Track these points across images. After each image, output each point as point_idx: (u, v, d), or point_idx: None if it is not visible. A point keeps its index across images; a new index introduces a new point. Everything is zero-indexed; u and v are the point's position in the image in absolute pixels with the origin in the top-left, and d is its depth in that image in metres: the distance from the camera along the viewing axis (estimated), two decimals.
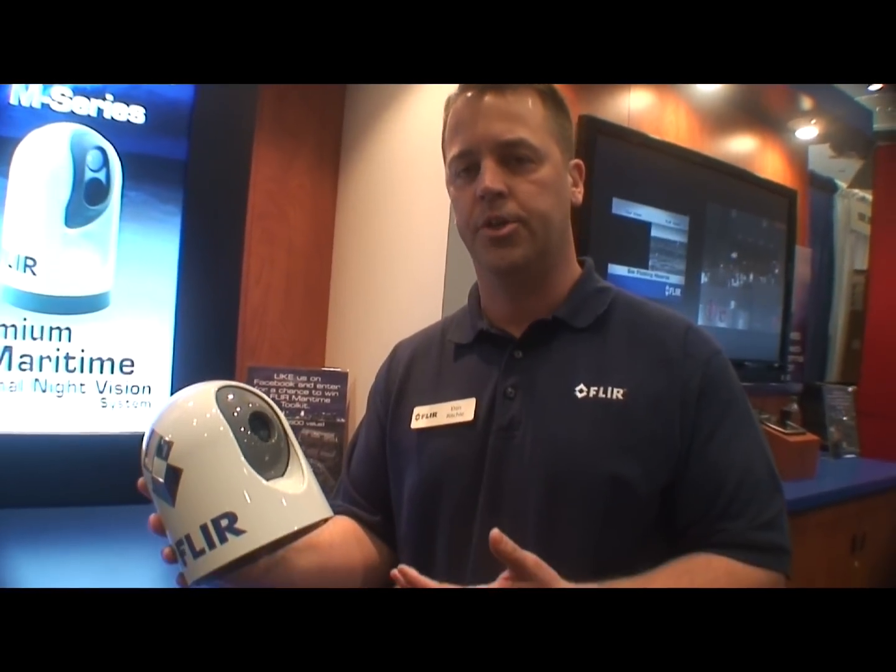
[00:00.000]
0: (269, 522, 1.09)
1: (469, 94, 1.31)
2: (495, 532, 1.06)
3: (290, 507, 1.12)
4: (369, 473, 1.50)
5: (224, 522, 1.06)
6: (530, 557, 1.07)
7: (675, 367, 1.31)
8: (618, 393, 1.29)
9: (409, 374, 1.48)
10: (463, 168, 1.32)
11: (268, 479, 1.11)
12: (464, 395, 1.37)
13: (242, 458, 1.09)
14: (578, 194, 1.41)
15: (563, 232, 1.37)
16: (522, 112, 1.29)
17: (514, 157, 1.28)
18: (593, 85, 3.19)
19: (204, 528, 1.06)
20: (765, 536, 1.27)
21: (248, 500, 1.08)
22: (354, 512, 1.48)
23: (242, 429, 1.11)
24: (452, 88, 1.37)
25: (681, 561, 1.23)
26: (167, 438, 1.09)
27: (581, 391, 1.30)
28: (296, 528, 1.12)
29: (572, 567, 1.14)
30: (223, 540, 1.06)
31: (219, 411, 1.10)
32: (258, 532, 1.08)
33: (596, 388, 1.30)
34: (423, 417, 1.40)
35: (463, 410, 1.36)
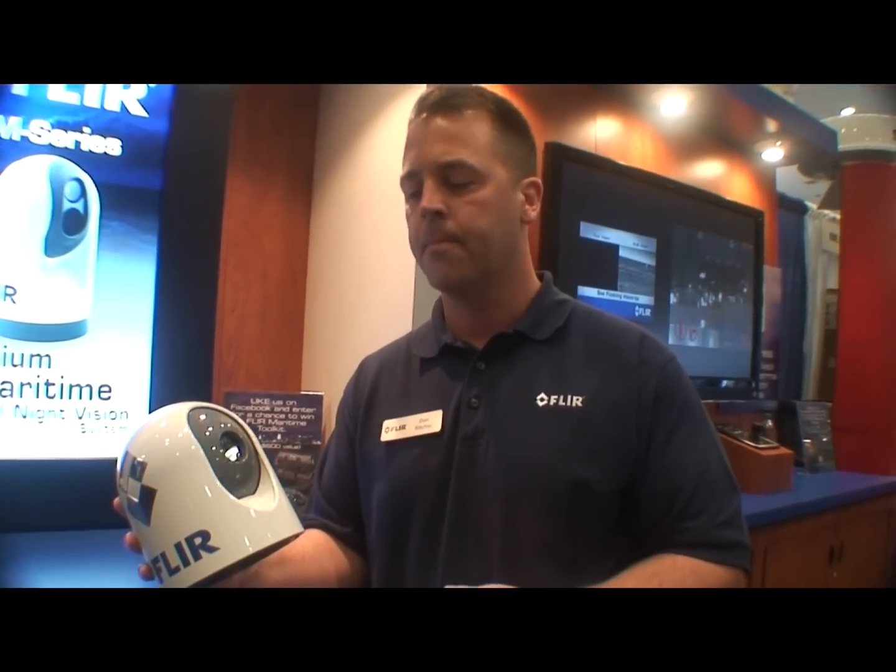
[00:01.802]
0: (241, 539, 1.12)
1: (423, 115, 1.35)
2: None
3: (261, 523, 1.14)
4: (340, 486, 1.52)
5: (198, 540, 1.09)
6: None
7: (632, 373, 1.35)
8: (577, 400, 1.33)
9: (377, 387, 1.51)
10: (411, 191, 1.36)
11: (239, 497, 1.14)
12: (431, 408, 1.40)
13: (214, 477, 1.11)
14: (532, 212, 1.42)
15: (509, 249, 1.39)
16: (465, 134, 1.32)
17: (454, 177, 1.32)
18: (561, 113, 3.24)
19: (178, 546, 1.09)
20: (725, 534, 1.31)
21: (221, 518, 1.11)
22: (326, 524, 1.50)
23: (214, 448, 1.14)
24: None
25: (648, 563, 1.27)
26: (141, 459, 1.12)
27: (542, 399, 1.34)
28: (268, 545, 1.14)
29: (536, 567, 1.18)
30: (197, 557, 1.09)
31: (190, 431, 1.13)
32: (231, 549, 1.10)
33: (556, 397, 1.34)
34: (392, 430, 1.43)
35: (430, 422, 1.39)
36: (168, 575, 1.10)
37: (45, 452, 2.28)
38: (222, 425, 1.18)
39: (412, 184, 1.36)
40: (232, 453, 1.16)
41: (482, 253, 1.34)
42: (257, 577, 1.24)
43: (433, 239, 1.33)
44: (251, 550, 1.12)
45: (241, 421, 1.22)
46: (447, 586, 1.14)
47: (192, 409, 1.17)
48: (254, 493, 1.17)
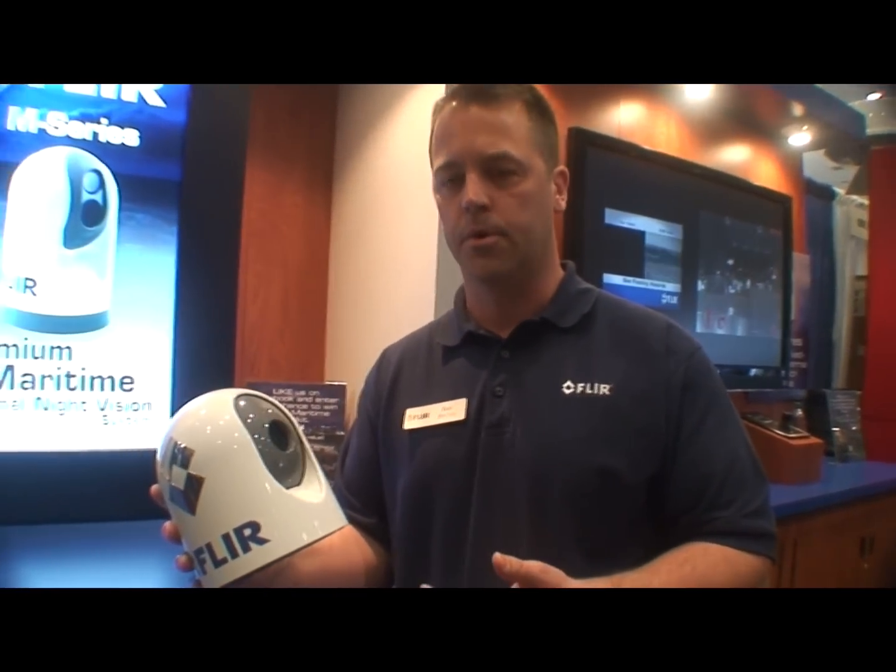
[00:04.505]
0: (292, 531, 1.09)
1: (455, 103, 1.32)
2: (497, 557, 1.06)
3: (311, 516, 1.12)
4: (363, 476, 1.51)
5: (247, 532, 1.06)
6: (534, 566, 1.07)
7: (659, 362, 1.33)
8: (604, 388, 1.31)
9: (399, 377, 1.50)
10: (448, 178, 1.34)
11: (287, 488, 1.11)
12: (454, 396, 1.39)
13: (264, 468, 1.08)
14: (562, 201, 1.42)
15: (544, 240, 1.39)
16: (507, 125, 1.30)
17: (498, 170, 1.29)
18: (584, 98, 3.22)
19: (226, 538, 1.06)
20: (755, 523, 1.30)
21: (272, 510, 1.08)
22: (349, 515, 1.47)
23: (262, 438, 1.11)
24: (441, 93, 1.38)
25: (679, 550, 1.25)
26: (187, 447, 1.08)
27: (568, 387, 1.32)
28: (317, 537, 1.11)
29: (565, 556, 1.16)
30: (246, 549, 1.06)
31: (239, 420, 1.10)
32: (282, 541, 1.08)
33: (583, 385, 1.32)
34: (414, 418, 1.41)
35: (454, 410, 1.37)
36: (213, 567, 1.07)
37: (67, 444, 2.28)
38: (269, 412, 1.15)
39: (449, 174, 1.33)
40: (279, 442, 1.13)
41: (525, 245, 1.32)
42: (290, 568, 1.19)
43: (476, 232, 1.31)
44: (302, 543, 1.10)
45: (285, 410, 1.19)
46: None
47: (238, 396, 1.14)
48: (299, 483, 1.15)
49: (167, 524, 1.14)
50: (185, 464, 1.08)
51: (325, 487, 1.17)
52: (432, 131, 1.38)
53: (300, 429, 1.19)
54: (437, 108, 1.37)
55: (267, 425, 1.12)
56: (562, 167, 1.42)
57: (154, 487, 1.14)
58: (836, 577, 3.55)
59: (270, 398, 1.19)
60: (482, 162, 1.29)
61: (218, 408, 1.12)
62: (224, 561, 1.06)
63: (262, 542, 1.06)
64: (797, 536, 3.25)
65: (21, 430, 2.24)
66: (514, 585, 1.08)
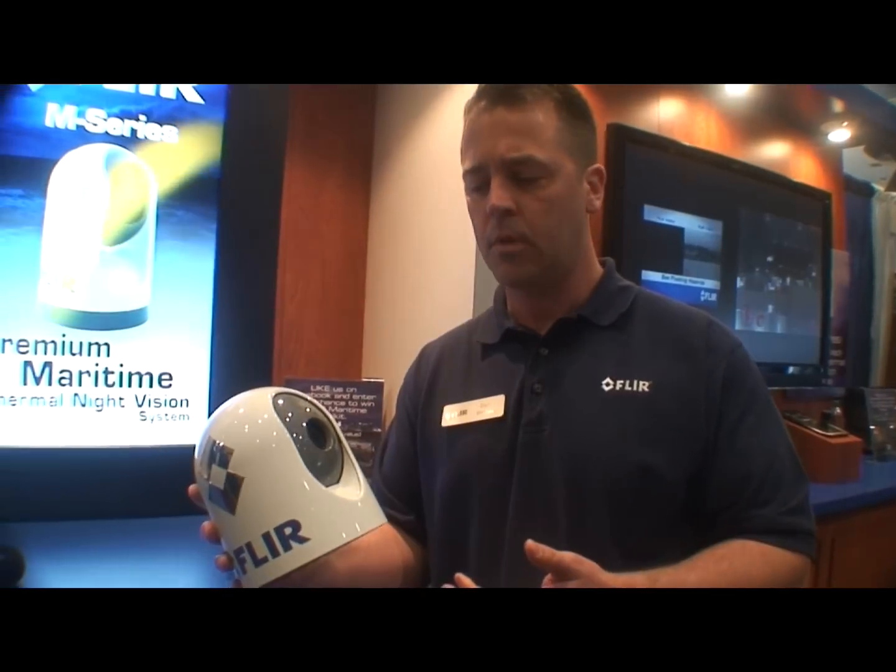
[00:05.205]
0: (332, 530, 1.09)
1: (482, 103, 1.31)
2: (530, 543, 1.07)
3: (351, 514, 1.12)
4: (401, 473, 1.51)
5: (288, 531, 1.06)
6: (567, 556, 1.07)
7: (699, 359, 1.32)
8: (643, 386, 1.30)
9: (438, 374, 1.49)
10: (475, 185, 1.33)
11: (326, 486, 1.10)
12: (492, 393, 1.38)
13: (304, 467, 1.08)
14: (596, 200, 1.39)
15: (574, 243, 1.37)
16: (532, 126, 1.28)
17: (523, 173, 1.28)
18: (623, 94, 3.21)
19: (266, 537, 1.06)
20: (794, 521, 1.29)
21: (312, 509, 1.08)
22: (388, 512, 1.46)
23: (301, 436, 1.10)
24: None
25: (718, 547, 1.25)
26: (226, 445, 1.08)
27: (608, 385, 1.31)
28: (357, 536, 1.11)
29: (603, 554, 1.15)
30: (287, 548, 1.05)
31: (278, 419, 1.09)
32: (322, 540, 1.07)
33: (622, 382, 1.31)
34: (453, 415, 1.41)
35: (492, 407, 1.37)
36: (254, 566, 1.07)
37: (104, 440, 2.30)
38: (307, 410, 1.15)
39: (476, 178, 1.32)
40: (318, 441, 1.13)
41: (550, 250, 1.31)
42: (327, 567, 1.18)
43: (502, 237, 1.30)
44: (343, 541, 1.09)
45: (322, 408, 1.18)
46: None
47: (276, 395, 1.13)
48: (338, 481, 1.15)
49: (206, 524, 1.13)
50: (224, 463, 1.07)
51: (363, 485, 1.16)
52: (463, 132, 1.37)
53: (338, 426, 1.19)
54: (467, 109, 1.36)
55: (305, 423, 1.12)
56: (597, 165, 1.39)
57: (192, 487, 1.14)
58: (874, 577, 3.52)
59: (308, 396, 1.18)
60: (506, 166, 1.28)
61: (256, 406, 1.12)
62: (265, 560, 1.06)
63: (302, 540, 1.06)
64: (835, 535, 3.23)
65: (59, 427, 2.26)
66: (548, 576, 1.09)
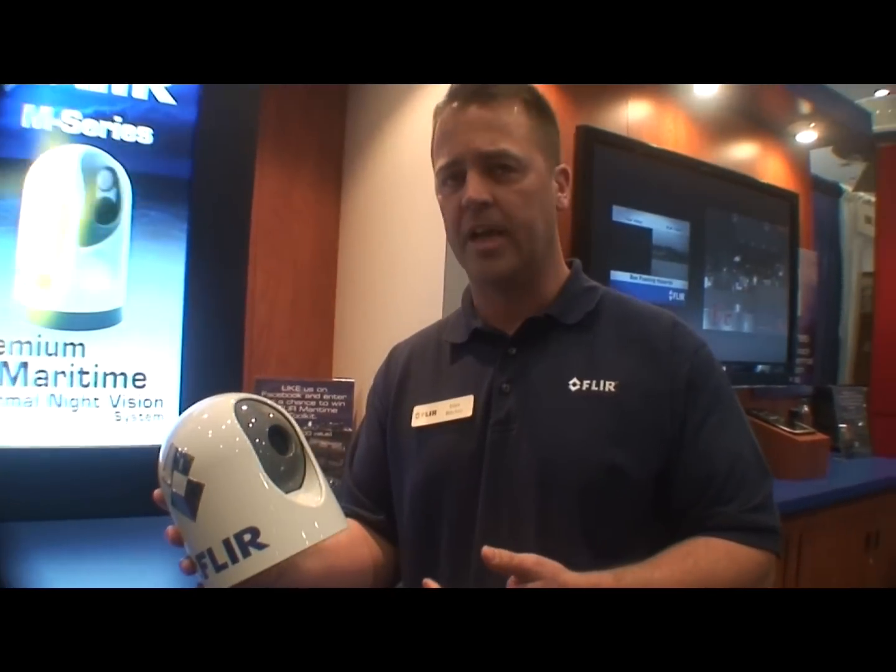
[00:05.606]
0: (291, 536, 1.09)
1: (455, 104, 1.33)
2: (486, 549, 1.08)
3: (310, 520, 1.12)
4: (371, 473, 1.52)
5: (247, 537, 1.06)
6: (529, 558, 1.09)
7: (664, 359, 1.34)
8: (610, 385, 1.32)
9: (408, 374, 1.50)
10: (449, 177, 1.34)
11: (287, 492, 1.11)
12: (462, 393, 1.40)
13: (264, 473, 1.08)
14: (564, 199, 1.42)
15: (548, 238, 1.39)
16: (506, 123, 1.31)
17: (498, 167, 1.30)
18: (592, 96, 3.22)
19: (226, 543, 1.06)
20: (757, 518, 1.30)
21: (270, 515, 1.08)
22: (358, 512, 1.49)
23: (262, 442, 1.10)
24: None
25: (682, 544, 1.26)
26: (187, 453, 1.08)
27: (574, 385, 1.33)
28: (316, 541, 1.12)
29: (573, 552, 1.17)
30: (246, 554, 1.06)
31: (239, 425, 1.09)
32: (281, 546, 1.08)
33: (588, 382, 1.33)
34: (422, 416, 1.42)
35: (461, 407, 1.38)
36: (214, 571, 1.08)
37: (80, 440, 2.30)
38: (270, 416, 1.15)
39: (450, 172, 1.34)
40: (279, 447, 1.13)
41: (528, 244, 1.33)
42: (295, 568, 1.21)
43: (478, 230, 1.32)
44: (301, 547, 1.10)
45: (285, 412, 1.18)
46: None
47: (238, 401, 1.13)
48: (300, 487, 1.15)
49: (170, 528, 1.14)
50: (185, 470, 1.08)
51: (325, 490, 1.16)
52: (433, 134, 1.39)
53: (301, 432, 1.19)
54: (438, 111, 1.38)
55: (268, 430, 1.12)
56: (563, 165, 1.42)
57: (157, 492, 1.14)
58: (842, 573, 3.55)
59: (271, 402, 1.19)
60: (482, 159, 1.30)
61: (219, 413, 1.12)
62: (225, 566, 1.07)
63: (261, 546, 1.06)
64: (803, 532, 3.26)
65: (34, 427, 2.26)
66: (511, 579, 1.10)
